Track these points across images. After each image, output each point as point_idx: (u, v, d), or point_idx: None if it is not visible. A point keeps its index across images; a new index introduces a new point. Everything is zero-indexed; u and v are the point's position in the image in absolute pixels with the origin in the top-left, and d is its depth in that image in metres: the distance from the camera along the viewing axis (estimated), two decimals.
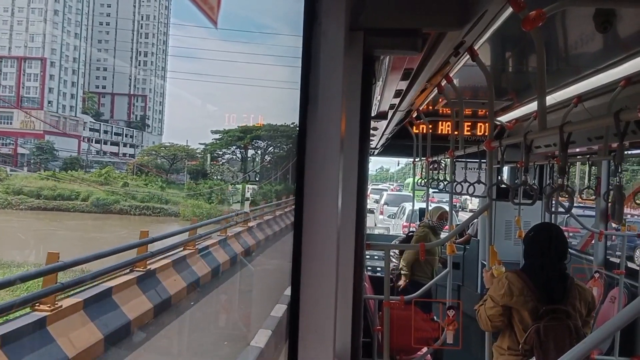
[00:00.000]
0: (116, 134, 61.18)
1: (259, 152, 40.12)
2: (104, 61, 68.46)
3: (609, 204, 3.59)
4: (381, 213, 17.83)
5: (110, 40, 68.95)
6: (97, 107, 66.19)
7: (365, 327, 2.99)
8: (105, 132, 59.94)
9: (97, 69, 68.49)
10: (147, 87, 70.32)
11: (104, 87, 67.86)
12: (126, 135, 62.61)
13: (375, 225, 15.85)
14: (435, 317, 3.44)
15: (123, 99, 68.07)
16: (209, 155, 41.49)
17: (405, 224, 12.47)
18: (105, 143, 58.50)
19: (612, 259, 4.40)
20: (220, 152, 41.52)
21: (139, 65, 70.33)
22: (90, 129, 57.71)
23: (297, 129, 0.97)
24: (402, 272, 4.72)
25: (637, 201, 3.44)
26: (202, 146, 42.39)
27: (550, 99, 2.93)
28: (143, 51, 70.35)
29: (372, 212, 17.43)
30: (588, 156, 3.77)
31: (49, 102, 54.94)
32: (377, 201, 19.50)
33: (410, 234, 5.34)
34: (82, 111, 59.76)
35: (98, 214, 29.84)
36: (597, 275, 3.71)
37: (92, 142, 56.30)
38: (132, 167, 40.64)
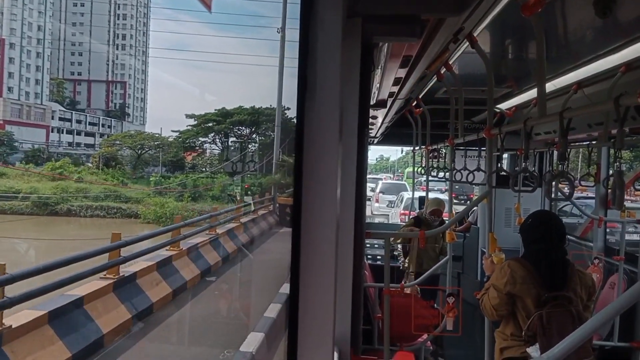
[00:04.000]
0: (91, 123, 58.47)
1: (242, 140, 35.61)
2: (79, 45, 65.60)
3: (609, 190, 3.72)
4: (377, 201, 18.48)
5: (85, 23, 66.56)
6: (74, 95, 63.55)
7: (366, 315, 3.09)
8: (79, 121, 56.95)
9: (72, 53, 65.96)
10: (127, 72, 68.21)
11: (79, 74, 65.51)
12: (103, 125, 60.07)
13: (372, 213, 16.16)
14: (435, 305, 3.57)
15: (100, 86, 65.74)
16: (182, 145, 36.95)
17: (402, 212, 12.84)
18: (78, 134, 55.40)
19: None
20: (197, 141, 37.03)
21: (118, 49, 68.27)
22: (60, 119, 54.16)
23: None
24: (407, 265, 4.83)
25: (638, 187, 3.55)
26: (176, 134, 37.73)
27: (550, 86, 3.01)
28: (121, 34, 68.35)
29: (368, 199, 17.84)
30: (588, 142, 3.89)
31: (9, 88, 51.74)
32: (372, 189, 19.94)
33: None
34: (50, 99, 56.35)
35: (40, 217, 25.90)
36: (596, 261, 3.85)
37: (62, 132, 53.04)
38: (97, 160, 36.81)
